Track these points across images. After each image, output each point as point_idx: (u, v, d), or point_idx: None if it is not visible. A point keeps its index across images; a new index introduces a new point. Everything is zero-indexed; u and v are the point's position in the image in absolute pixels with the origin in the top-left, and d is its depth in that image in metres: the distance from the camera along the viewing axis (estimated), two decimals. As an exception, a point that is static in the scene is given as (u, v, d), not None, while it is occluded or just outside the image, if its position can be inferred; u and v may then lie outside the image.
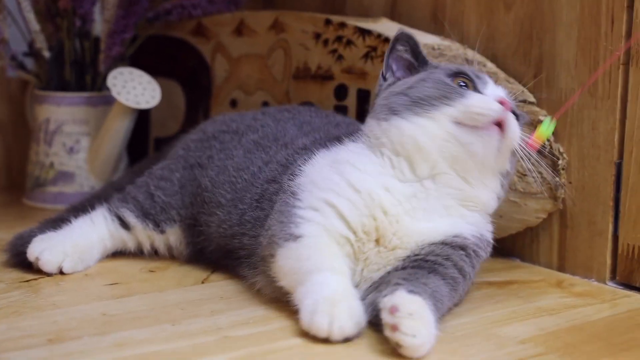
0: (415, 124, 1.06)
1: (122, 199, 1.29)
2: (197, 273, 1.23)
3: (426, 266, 1.03)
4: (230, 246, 1.18)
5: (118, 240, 1.28)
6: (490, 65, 1.30)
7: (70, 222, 1.27)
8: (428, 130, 1.05)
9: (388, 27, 1.40)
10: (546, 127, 1.07)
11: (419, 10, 1.44)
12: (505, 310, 1.10)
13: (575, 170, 1.24)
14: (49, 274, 1.20)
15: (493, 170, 1.08)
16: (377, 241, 1.05)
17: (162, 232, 1.27)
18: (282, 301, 1.07)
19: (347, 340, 0.95)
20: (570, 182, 1.25)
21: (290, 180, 1.10)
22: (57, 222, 1.29)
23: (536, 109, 1.26)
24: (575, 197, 1.25)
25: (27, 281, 1.19)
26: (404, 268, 1.04)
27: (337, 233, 1.04)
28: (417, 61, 1.14)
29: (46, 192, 1.60)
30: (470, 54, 1.32)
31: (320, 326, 0.94)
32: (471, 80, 1.09)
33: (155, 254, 1.30)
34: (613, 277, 1.22)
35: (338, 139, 1.14)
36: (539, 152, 1.24)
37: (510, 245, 1.33)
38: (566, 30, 1.24)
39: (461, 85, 1.08)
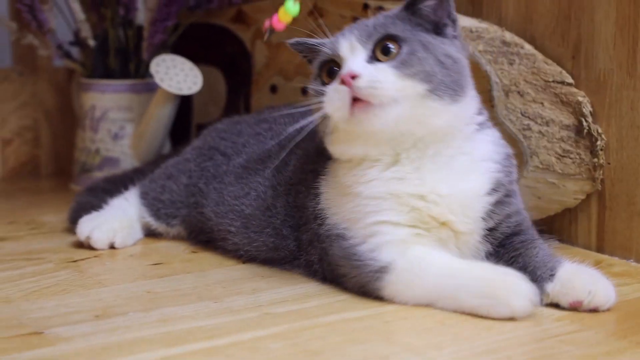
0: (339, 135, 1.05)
1: (141, 194, 1.34)
2: (238, 254, 1.26)
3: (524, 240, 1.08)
4: (259, 256, 1.20)
5: (146, 224, 1.34)
6: (528, 47, 1.30)
7: (106, 201, 1.34)
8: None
9: (426, 11, 1.40)
10: (291, 6, 1.02)
11: (457, -7, 1.45)
12: (542, 289, 1.11)
13: (613, 151, 1.24)
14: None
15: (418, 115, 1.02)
16: (448, 227, 1.05)
17: (173, 227, 1.33)
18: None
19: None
20: (609, 163, 1.25)
21: (320, 225, 1.09)
22: (96, 193, 1.39)
23: (574, 90, 1.26)
24: (614, 177, 1.25)
25: (75, 261, 1.23)
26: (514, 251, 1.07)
27: (409, 235, 1.04)
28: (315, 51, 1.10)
29: (92, 177, 1.65)
30: (509, 35, 1.32)
31: (523, 305, 0.97)
32: (334, 62, 1.04)
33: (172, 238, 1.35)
34: (652, 258, 1.22)
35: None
36: (578, 132, 1.25)
37: (549, 227, 1.33)
38: (604, 9, 1.23)
39: (331, 74, 1.04)
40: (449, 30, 1.07)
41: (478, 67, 1.30)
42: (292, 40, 1.11)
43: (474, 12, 1.41)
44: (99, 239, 1.27)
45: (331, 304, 1.05)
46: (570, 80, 1.27)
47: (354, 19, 1.46)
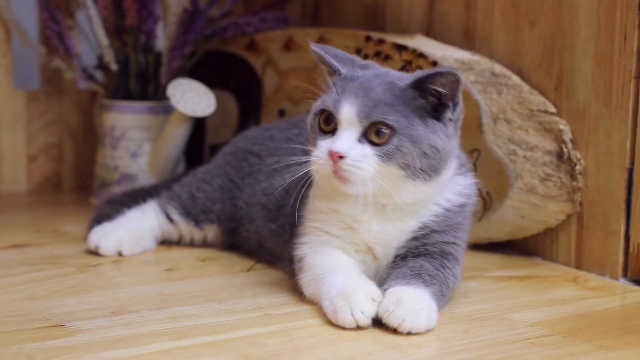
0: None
1: (169, 196, 1.45)
2: (244, 263, 1.37)
3: (409, 254, 1.15)
4: (268, 247, 1.34)
5: (165, 231, 1.45)
6: (516, 79, 1.41)
7: (123, 212, 1.44)
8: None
9: (423, 43, 1.51)
10: None
11: (452, 27, 1.56)
12: (520, 300, 1.21)
13: (591, 175, 1.34)
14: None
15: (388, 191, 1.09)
16: (372, 254, 1.16)
17: (201, 229, 1.43)
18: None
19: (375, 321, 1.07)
20: (587, 186, 1.35)
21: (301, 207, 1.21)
22: (114, 205, 1.49)
23: (557, 118, 1.37)
24: (591, 200, 1.35)
25: (94, 266, 1.34)
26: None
27: (333, 245, 1.16)
28: (332, 70, 1.16)
29: (111, 192, 1.74)
30: (498, 68, 1.43)
31: (346, 320, 1.06)
32: (332, 119, 1.11)
33: (191, 244, 1.46)
34: (625, 274, 1.32)
35: None
36: (559, 157, 1.36)
37: (531, 245, 1.44)
38: (584, 46, 1.34)
39: (326, 122, 1.12)
40: (447, 114, 1.11)
41: (469, 95, 1.40)
42: (316, 46, 1.16)
43: (468, 45, 1.52)
44: (106, 247, 1.38)
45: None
46: (553, 109, 1.38)
47: (357, 50, 1.57)
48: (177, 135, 1.71)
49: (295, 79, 1.70)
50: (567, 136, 1.36)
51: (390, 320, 1.05)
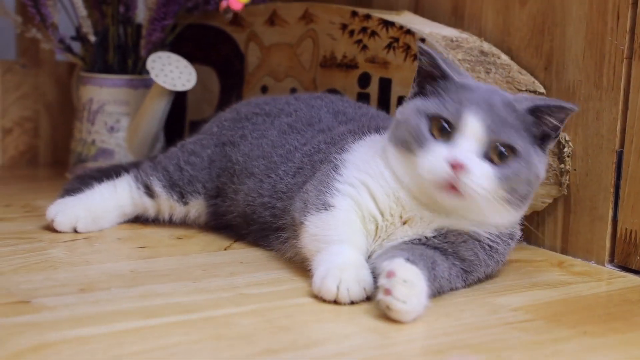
0: (400, 162, 1.10)
1: (152, 167, 1.38)
2: (221, 241, 1.33)
3: (431, 245, 1.10)
4: (255, 215, 1.27)
5: (140, 207, 1.38)
6: (505, 58, 1.37)
7: (92, 186, 1.38)
8: (406, 172, 1.09)
9: (410, 20, 1.48)
10: None
11: (440, 4, 1.52)
12: (503, 284, 1.18)
13: (579, 158, 1.31)
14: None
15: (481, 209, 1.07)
16: (404, 223, 1.11)
17: (185, 203, 1.37)
18: (302, 267, 1.15)
19: (352, 303, 1.03)
20: (574, 169, 1.32)
21: (337, 153, 1.17)
22: (84, 181, 1.43)
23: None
24: (579, 183, 1.31)
25: (65, 242, 1.29)
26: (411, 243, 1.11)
27: (368, 211, 1.11)
28: (440, 74, 1.10)
29: (87, 167, 1.70)
30: (487, 46, 1.39)
31: (329, 288, 1.03)
32: (447, 126, 1.06)
33: (170, 222, 1.39)
34: (611, 260, 1.29)
35: (379, 130, 1.19)
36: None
37: (517, 229, 1.40)
38: (575, 25, 1.30)
39: (441, 130, 1.06)
40: (550, 144, 1.11)
41: (456, 74, 1.36)
42: (426, 47, 1.10)
43: (456, 23, 1.49)
44: (61, 223, 1.32)
45: (303, 287, 1.11)
46: (542, 90, 1.34)
47: (343, 25, 1.53)
48: (156, 110, 1.66)
49: (278, 55, 1.65)
50: (556, 117, 1.32)
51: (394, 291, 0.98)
